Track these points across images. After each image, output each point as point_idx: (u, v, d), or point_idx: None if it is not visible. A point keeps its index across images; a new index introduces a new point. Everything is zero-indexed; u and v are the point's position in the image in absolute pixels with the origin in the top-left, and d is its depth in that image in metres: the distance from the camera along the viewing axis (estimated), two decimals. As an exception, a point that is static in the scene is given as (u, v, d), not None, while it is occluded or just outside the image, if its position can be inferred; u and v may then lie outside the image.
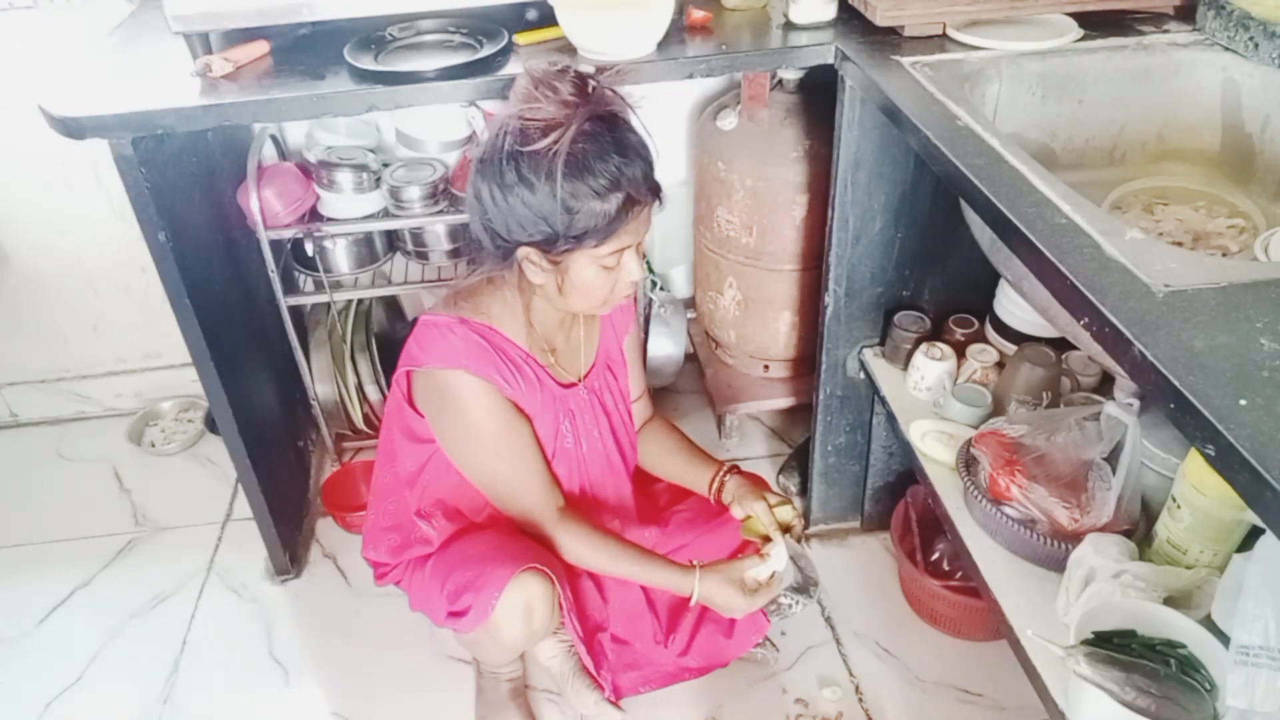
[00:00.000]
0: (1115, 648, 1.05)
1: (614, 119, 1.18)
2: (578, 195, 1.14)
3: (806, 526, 1.96)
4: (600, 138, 1.15)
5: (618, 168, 1.15)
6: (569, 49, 1.43)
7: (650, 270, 2.23)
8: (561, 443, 1.42)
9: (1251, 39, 1.29)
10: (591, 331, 1.46)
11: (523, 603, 1.32)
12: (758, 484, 1.50)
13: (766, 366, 2.07)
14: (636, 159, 1.18)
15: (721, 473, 1.50)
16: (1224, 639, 0.98)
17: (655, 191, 1.22)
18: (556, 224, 1.16)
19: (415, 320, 1.35)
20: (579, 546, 1.39)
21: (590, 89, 1.16)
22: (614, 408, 1.49)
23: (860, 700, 1.65)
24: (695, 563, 1.39)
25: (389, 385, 2.07)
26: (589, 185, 1.14)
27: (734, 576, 1.38)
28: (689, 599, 1.42)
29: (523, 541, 1.39)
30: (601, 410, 1.46)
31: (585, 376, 1.44)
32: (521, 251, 1.21)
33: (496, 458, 1.35)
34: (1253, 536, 1.07)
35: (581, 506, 1.47)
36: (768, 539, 1.42)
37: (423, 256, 1.98)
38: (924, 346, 1.57)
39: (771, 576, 1.40)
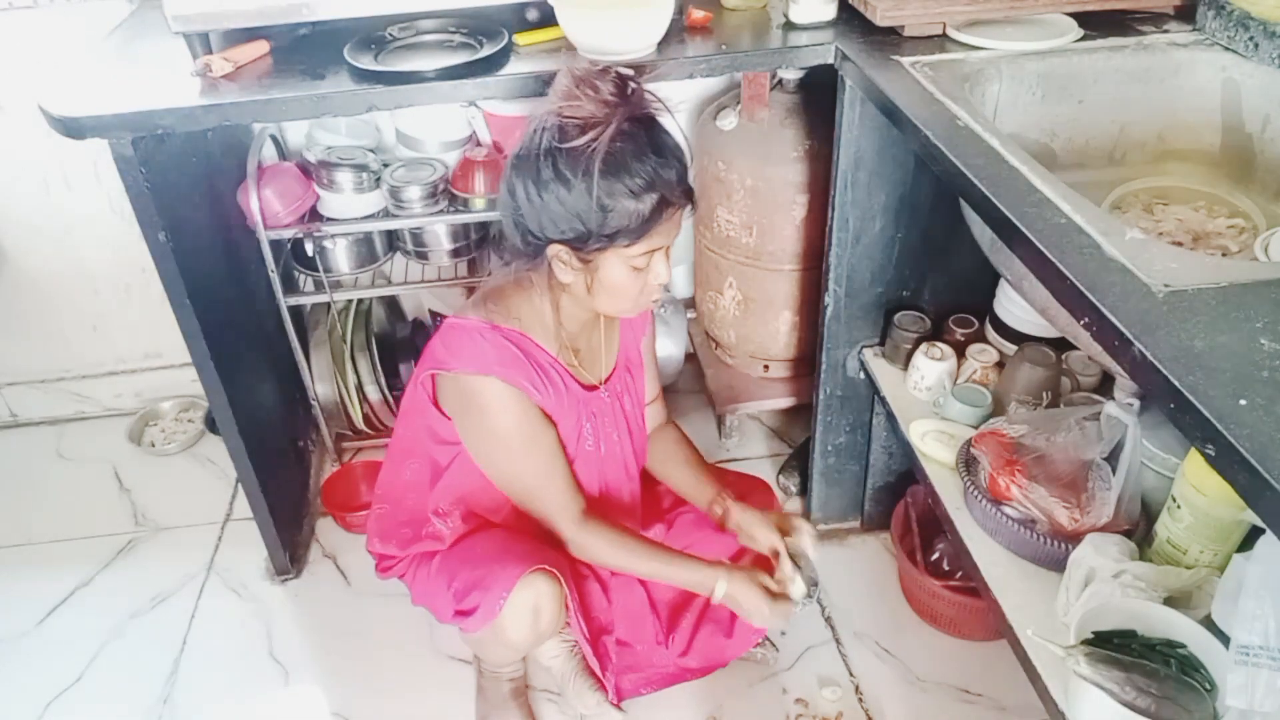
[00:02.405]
0: (1115, 648, 1.05)
1: (651, 121, 1.18)
2: (613, 194, 1.15)
3: (806, 526, 1.96)
4: (638, 138, 1.15)
5: (654, 169, 1.16)
6: (569, 49, 1.43)
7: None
8: (583, 445, 1.42)
9: (1251, 39, 1.29)
10: (611, 334, 1.46)
11: (530, 603, 1.32)
12: (762, 505, 1.50)
13: (766, 366, 2.07)
14: (673, 161, 1.18)
15: (723, 500, 1.49)
16: (1224, 639, 0.98)
17: (689, 195, 1.23)
18: (590, 222, 1.17)
19: (416, 321, 1.35)
20: (606, 548, 1.38)
21: (630, 90, 1.17)
22: (631, 410, 1.49)
23: (860, 700, 1.65)
24: (725, 561, 1.40)
25: (389, 385, 2.08)
26: (625, 184, 1.15)
27: (760, 580, 1.38)
28: (694, 597, 1.42)
29: (531, 541, 1.39)
30: (621, 413, 1.46)
31: (607, 380, 1.44)
32: (552, 249, 1.22)
33: (522, 463, 1.35)
34: (1253, 536, 1.08)
35: (598, 507, 1.47)
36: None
37: (423, 256, 1.98)
38: (924, 346, 1.57)
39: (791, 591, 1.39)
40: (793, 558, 1.76)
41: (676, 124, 1.23)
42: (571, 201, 1.16)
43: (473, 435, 1.36)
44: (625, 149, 1.14)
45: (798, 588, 1.39)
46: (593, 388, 1.41)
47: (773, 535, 1.43)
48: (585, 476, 1.44)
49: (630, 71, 1.20)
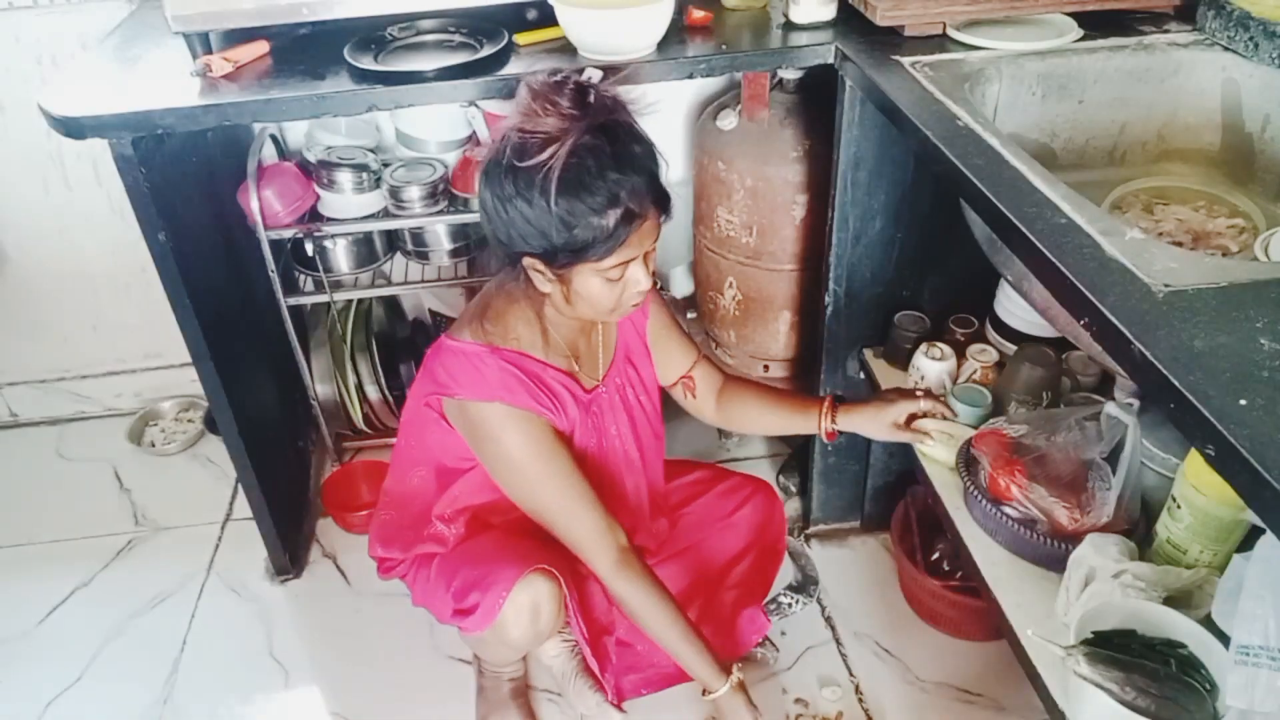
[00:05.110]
0: (1115, 648, 1.05)
1: (615, 129, 1.15)
2: (574, 212, 1.12)
3: (806, 526, 1.96)
4: (599, 151, 1.12)
5: (615, 182, 1.12)
6: (569, 49, 1.43)
7: (650, 270, 2.23)
8: (585, 444, 1.40)
9: (1251, 39, 1.29)
10: (610, 330, 1.45)
11: (530, 603, 1.32)
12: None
13: (766, 366, 2.06)
14: (637, 171, 1.15)
15: (827, 409, 1.46)
16: (1224, 639, 0.98)
17: (660, 203, 1.19)
18: (555, 239, 1.15)
19: (416, 321, 1.35)
20: (635, 601, 1.33)
21: (590, 99, 1.14)
22: (635, 401, 1.47)
23: (860, 700, 1.65)
24: (738, 670, 1.35)
25: (389, 385, 2.08)
26: (585, 203, 1.12)
27: (753, 714, 1.34)
28: (694, 596, 1.41)
29: (531, 541, 1.39)
30: (622, 406, 1.45)
31: (605, 375, 1.43)
32: (527, 260, 1.20)
33: (541, 488, 1.32)
34: (1253, 536, 1.07)
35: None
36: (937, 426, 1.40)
37: (423, 256, 1.98)
38: (924, 346, 1.57)
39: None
40: (793, 557, 1.76)
41: (640, 128, 1.20)
42: (535, 219, 1.14)
43: (489, 461, 1.34)
44: (584, 164, 1.11)
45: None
46: (593, 389, 1.41)
47: (891, 410, 1.40)
48: (587, 473, 1.43)
49: (598, 76, 1.18)
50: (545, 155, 1.10)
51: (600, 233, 1.14)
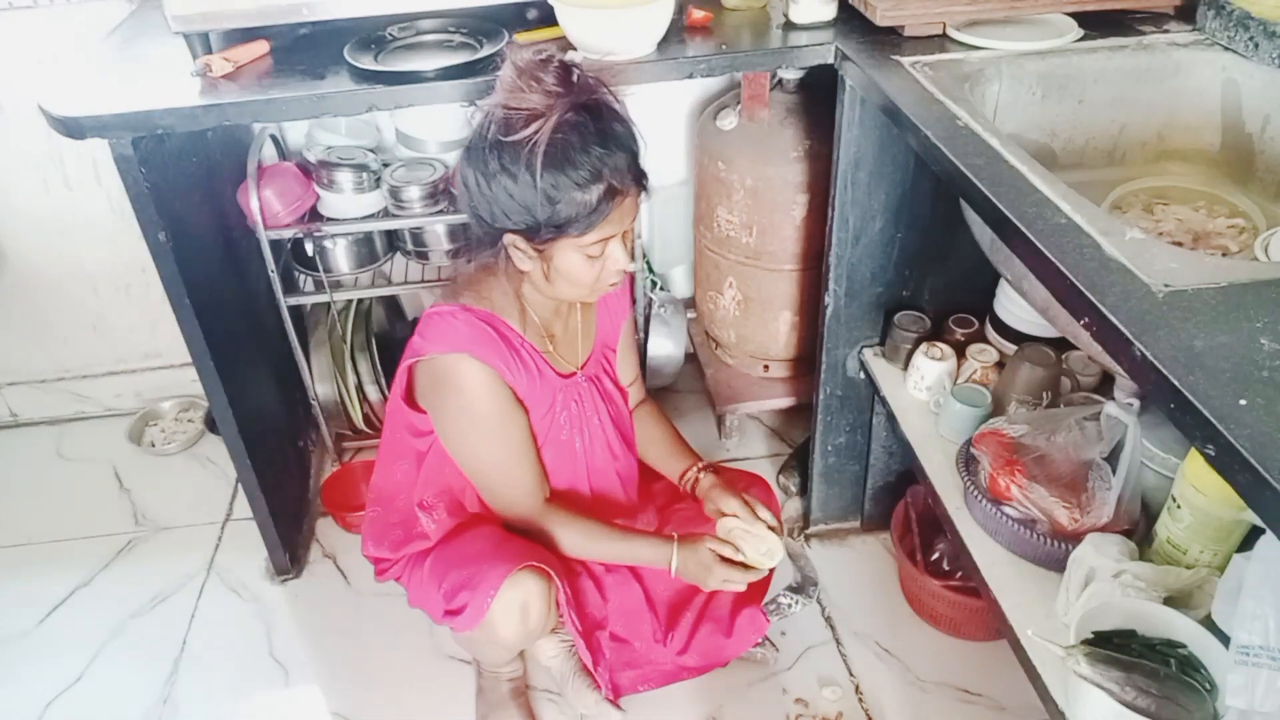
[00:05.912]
0: (1115, 648, 1.05)
1: (598, 107, 1.17)
2: (558, 186, 1.15)
3: (806, 526, 1.96)
4: (583, 128, 1.15)
5: (599, 158, 1.15)
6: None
7: (650, 270, 2.23)
8: (556, 434, 1.42)
9: (1251, 39, 1.29)
10: (589, 319, 1.46)
11: (519, 601, 1.32)
12: (732, 484, 1.51)
13: (766, 366, 2.07)
14: (620, 148, 1.18)
15: (695, 468, 1.53)
16: (1224, 639, 0.99)
17: (640, 180, 1.22)
18: (539, 213, 1.17)
19: (416, 321, 1.35)
20: (566, 533, 1.41)
21: (574, 78, 1.16)
22: (612, 390, 1.49)
23: (860, 700, 1.65)
24: (675, 535, 1.43)
25: (389, 385, 2.08)
26: (569, 177, 1.15)
27: (707, 545, 1.41)
28: (692, 595, 1.41)
29: (520, 540, 1.39)
30: (600, 396, 1.47)
31: (584, 365, 1.44)
32: (507, 238, 1.23)
33: (492, 444, 1.35)
34: (1253, 536, 1.07)
35: (585, 494, 1.48)
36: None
37: (423, 256, 1.98)
38: (924, 346, 1.57)
39: (748, 563, 1.41)
40: (793, 557, 1.76)
41: (620, 108, 1.21)
42: (519, 194, 1.16)
43: (446, 418, 1.36)
44: (569, 140, 1.14)
45: (760, 551, 1.41)
46: (569, 375, 1.42)
47: (734, 502, 1.45)
48: (559, 464, 1.44)
49: (579, 58, 1.20)
50: (530, 130, 1.12)
51: (583, 207, 1.17)
